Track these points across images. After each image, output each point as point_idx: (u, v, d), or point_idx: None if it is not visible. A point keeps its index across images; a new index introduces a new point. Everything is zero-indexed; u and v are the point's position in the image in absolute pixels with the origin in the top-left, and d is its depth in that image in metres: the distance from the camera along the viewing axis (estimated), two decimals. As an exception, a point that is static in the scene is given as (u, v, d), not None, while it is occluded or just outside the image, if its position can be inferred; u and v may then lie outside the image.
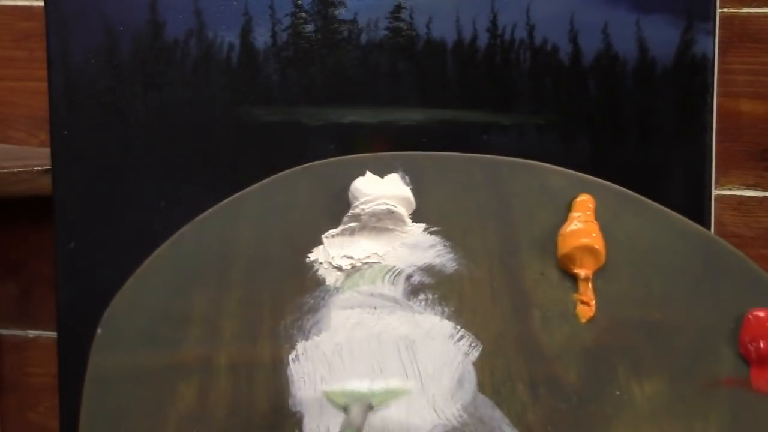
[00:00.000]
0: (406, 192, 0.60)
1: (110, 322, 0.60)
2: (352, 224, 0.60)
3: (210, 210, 0.61)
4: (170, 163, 0.65)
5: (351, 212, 0.60)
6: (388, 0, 0.63)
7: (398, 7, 0.63)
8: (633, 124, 0.62)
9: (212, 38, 0.64)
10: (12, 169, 0.80)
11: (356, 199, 0.59)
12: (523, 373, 0.59)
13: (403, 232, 0.60)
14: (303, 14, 0.63)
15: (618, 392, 0.58)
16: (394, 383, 0.58)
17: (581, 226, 0.58)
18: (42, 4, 0.66)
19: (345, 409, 0.58)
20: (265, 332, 0.60)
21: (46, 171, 0.78)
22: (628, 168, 0.62)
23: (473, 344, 0.59)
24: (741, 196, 0.84)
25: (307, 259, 0.60)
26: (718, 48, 0.62)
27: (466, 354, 0.59)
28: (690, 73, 0.61)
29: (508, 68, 0.62)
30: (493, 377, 0.59)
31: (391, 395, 0.58)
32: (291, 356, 0.59)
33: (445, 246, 0.60)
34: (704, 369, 0.58)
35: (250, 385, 0.59)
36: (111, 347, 0.60)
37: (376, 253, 0.60)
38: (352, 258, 0.60)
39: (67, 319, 0.65)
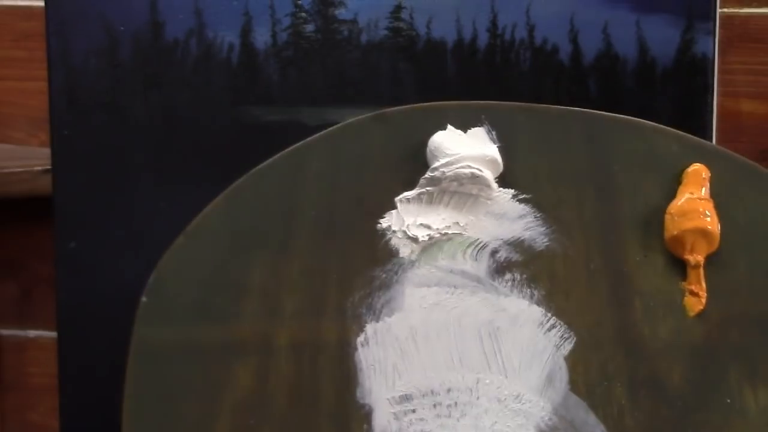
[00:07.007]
0: (493, 152, 0.53)
1: (157, 289, 0.54)
2: (430, 188, 0.54)
3: (270, 160, 0.55)
4: (170, 163, 0.65)
5: (429, 174, 0.53)
6: (388, 0, 0.63)
7: (398, 7, 0.63)
8: (633, 124, 0.62)
9: (212, 38, 0.64)
10: (12, 169, 0.80)
11: (435, 157, 0.53)
12: (621, 371, 0.52)
13: (488, 199, 0.54)
14: (303, 14, 0.63)
15: (728, 400, 0.51)
16: None
17: (693, 204, 0.51)
18: (42, 4, 0.66)
19: None
20: (331, 309, 0.54)
21: (46, 171, 0.78)
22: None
23: (566, 335, 0.53)
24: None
25: (379, 225, 0.54)
26: (718, 48, 0.62)
27: (557, 346, 0.53)
28: (690, 73, 0.61)
29: (508, 68, 0.62)
30: (587, 375, 0.52)
31: None
32: (359, 339, 0.53)
33: (536, 217, 0.54)
34: None
35: (314, 371, 0.53)
36: (158, 318, 0.54)
37: (457, 223, 0.54)
38: (429, 228, 0.54)
39: (67, 319, 0.65)
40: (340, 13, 0.63)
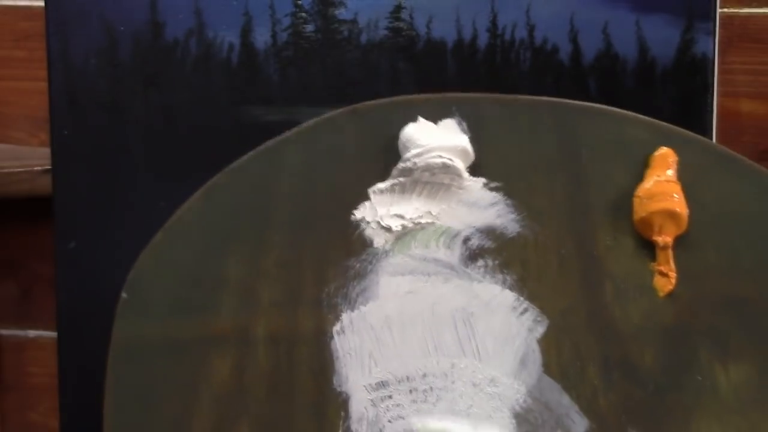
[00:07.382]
0: (464, 141, 0.54)
1: (136, 285, 0.55)
2: (402, 179, 0.55)
3: (246, 156, 0.56)
4: (170, 163, 0.65)
5: (401, 165, 0.54)
6: (388, 0, 0.63)
7: (398, 7, 0.63)
8: (633, 124, 0.62)
9: (212, 38, 0.64)
10: (12, 169, 0.80)
11: (407, 149, 0.54)
12: (594, 353, 0.53)
13: (459, 188, 0.54)
14: (303, 14, 0.63)
15: (700, 378, 0.52)
16: None
17: (661, 186, 0.52)
18: (42, 4, 0.66)
19: None
20: (307, 300, 0.54)
21: (46, 171, 0.78)
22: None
23: (538, 319, 0.53)
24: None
25: (353, 216, 0.55)
26: (718, 48, 0.62)
27: (530, 330, 0.53)
28: (690, 73, 0.61)
29: (508, 68, 0.62)
30: (560, 357, 0.53)
31: None
32: (335, 328, 0.54)
33: (507, 205, 0.54)
34: None
35: (291, 361, 0.54)
36: (137, 314, 0.55)
37: (429, 212, 0.55)
38: (402, 217, 0.55)
39: (67, 319, 0.65)
40: (340, 13, 0.63)
